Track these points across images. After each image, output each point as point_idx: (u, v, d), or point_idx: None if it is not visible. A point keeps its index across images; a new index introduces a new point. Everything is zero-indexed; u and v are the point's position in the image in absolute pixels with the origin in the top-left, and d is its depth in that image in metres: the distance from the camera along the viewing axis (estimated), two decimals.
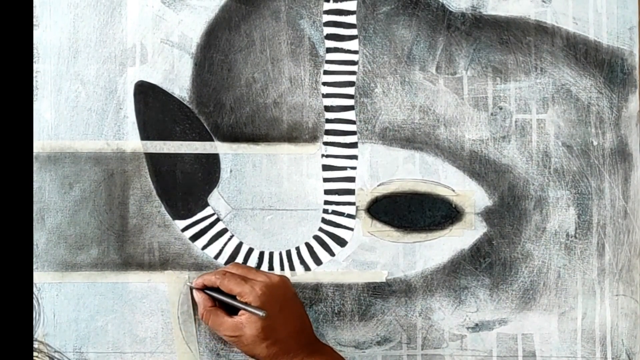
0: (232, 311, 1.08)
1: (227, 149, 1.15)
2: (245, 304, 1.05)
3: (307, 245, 1.16)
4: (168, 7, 1.15)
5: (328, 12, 1.17)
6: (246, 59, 1.16)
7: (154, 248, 1.14)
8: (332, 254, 1.16)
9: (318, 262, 1.16)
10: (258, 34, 1.16)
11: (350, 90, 1.17)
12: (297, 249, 1.16)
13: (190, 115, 1.15)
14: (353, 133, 1.16)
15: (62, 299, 1.13)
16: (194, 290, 1.11)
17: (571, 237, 1.17)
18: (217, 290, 1.09)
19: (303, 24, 1.16)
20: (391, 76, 1.17)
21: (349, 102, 1.16)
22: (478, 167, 1.17)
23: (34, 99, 1.14)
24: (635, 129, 1.18)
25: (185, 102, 1.15)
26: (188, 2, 1.16)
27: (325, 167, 1.16)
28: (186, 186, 1.15)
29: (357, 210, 1.16)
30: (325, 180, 1.16)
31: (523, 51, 1.17)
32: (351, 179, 1.16)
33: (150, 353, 1.13)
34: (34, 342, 1.12)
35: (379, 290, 1.16)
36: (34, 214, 1.12)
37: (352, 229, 1.16)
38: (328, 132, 1.16)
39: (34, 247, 1.13)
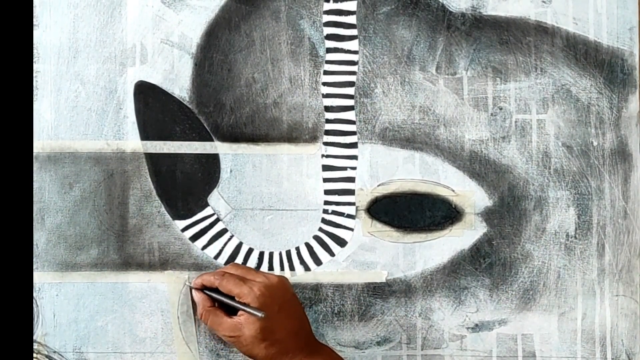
0: (231, 311, 1.08)
1: (227, 149, 1.15)
2: (244, 304, 1.05)
3: (307, 245, 1.16)
4: (168, 7, 1.15)
5: (328, 12, 1.17)
6: (246, 59, 1.16)
7: (154, 248, 1.14)
8: (332, 254, 1.16)
9: (318, 262, 1.16)
10: (258, 34, 1.16)
11: (350, 91, 1.17)
12: (297, 249, 1.16)
13: (190, 115, 1.15)
14: (353, 133, 1.16)
15: (62, 299, 1.13)
16: (193, 291, 1.11)
17: (571, 237, 1.17)
18: (216, 290, 1.09)
19: (303, 24, 1.16)
20: (391, 76, 1.17)
21: (349, 102, 1.16)
22: (478, 167, 1.17)
23: (34, 99, 1.14)
24: (635, 129, 1.18)
25: (185, 102, 1.15)
26: (188, 2, 1.16)
27: (325, 167, 1.16)
28: (186, 186, 1.15)
29: (357, 210, 1.16)
30: (325, 180, 1.16)
31: (523, 51, 1.17)
32: (351, 179, 1.16)
33: (150, 353, 1.13)
34: (34, 342, 1.12)
35: (379, 291, 1.16)
36: (34, 214, 1.12)
37: (352, 229, 1.16)
38: (328, 132, 1.16)
39: (34, 247, 1.13)
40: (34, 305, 1.12)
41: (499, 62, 1.18)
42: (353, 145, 1.16)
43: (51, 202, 1.14)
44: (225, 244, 1.15)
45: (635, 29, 1.18)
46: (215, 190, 1.15)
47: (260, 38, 1.16)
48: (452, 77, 1.17)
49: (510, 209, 1.17)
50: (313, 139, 1.16)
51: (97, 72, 1.15)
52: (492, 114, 1.17)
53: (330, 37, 1.16)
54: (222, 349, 1.14)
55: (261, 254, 1.15)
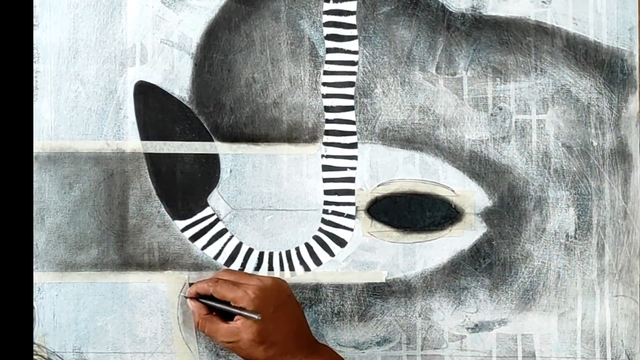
0: (228, 318, 1.08)
1: (227, 149, 1.15)
2: (240, 308, 1.05)
3: (307, 245, 1.16)
4: (168, 7, 1.15)
5: (328, 12, 1.17)
6: (246, 59, 1.16)
7: (154, 248, 1.14)
8: (331, 254, 1.16)
9: (318, 262, 1.16)
10: (258, 34, 1.16)
11: (350, 91, 1.17)
12: (297, 249, 1.16)
13: (190, 116, 1.15)
14: (353, 133, 1.16)
15: (61, 299, 1.13)
16: (188, 300, 1.11)
17: (571, 237, 1.17)
18: (211, 297, 1.09)
19: (303, 24, 1.16)
20: (391, 76, 1.17)
21: (349, 102, 1.16)
22: (478, 167, 1.17)
23: (34, 99, 1.14)
24: (635, 129, 1.18)
25: (185, 102, 1.15)
26: (188, 2, 1.16)
27: (325, 168, 1.16)
28: (186, 186, 1.15)
29: (356, 210, 1.16)
30: (325, 180, 1.16)
31: (523, 52, 1.17)
32: (351, 180, 1.16)
33: (150, 353, 1.13)
34: (34, 343, 1.12)
35: (379, 291, 1.16)
36: (34, 214, 1.12)
37: (351, 230, 1.16)
38: (328, 133, 1.16)
39: (34, 247, 1.13)
40: (34, 305, 1.12)
41: (499, 62, 1.18)
42: (353, 145, 1.16)
43: (51, 202, 1.14)
44: (225, 244, 1.15)
45: (635, 29, 1.18)
46: (215, 190, 1.15)
47: (260, 38, 1.16)
48: (452, 77, 1.17)
49: (510, 209, 1.17)
50: (313, 139, 1.16)
51: (97, 72, 1.15)
52: (492, 114, 1.17)
53: (330, 37, 1.16)
54: (221, 349, 1.14)
55: (261, 254, 1.15)
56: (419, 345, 1.16)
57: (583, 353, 1.16)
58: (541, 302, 1.17)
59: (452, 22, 1.17)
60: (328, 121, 1.16)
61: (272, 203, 1.15)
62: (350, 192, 1.16)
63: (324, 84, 1.16)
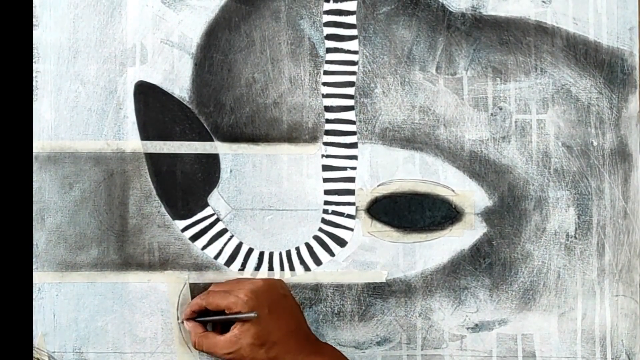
0: (227, 331, 1.07)
1: (227, 149, 1.15)
2: (235, 313, 1.05)
3: (307, 245, 1.16)
4: (168, 7, 1.15)
5: (328, 12, 1.17)
6: (246, 59, 1.16)
7: (154, 248, 1.14)
8: (332, 254, 1.16)
9: (318, 262, 1.16)
10: (258, 34, 1.16)
11: (350, 91, 1.17)
12: (297, 249, 1.16)
13: (190, 115, 1.15)
14: (353, 133, 1.16)
15: (62, 299, 1.13)
16: (184, 323, 1.11)
17: (571, 237, 1.17)
18: (206, 313, 1.09)
19: (303, 24, 1.16)
20: (391, 76, 1.17)
21: (349, 102, 1.16)
22: (478, 167, 1.17)
23: (34, 99, 1.14)
24: (635, 129, 1.18)
25: (185, 102, 1.15)
26: (188, 2, 1.16)
27: (325, 167, 1.16)
28: (186, 186, 1.15)
29: (357, 210, 1.16)
30: (325, 180, 1.16)
31: (523, 51, 1.17)
32: (351, 179, 1.16)
33: (150, 353, 1.13)
34: (34, 343, 1.12)
35: (379, 291, 1.16)
36: (34, 214, 1.12)
37: (352, 229, 1.16)
38: (328, 133, 1.16)
39: (34, 247, 1.13)
40: (34, 305, 1.12)
41: (499, 62, 1.18)
42: (353, 145, 1.16)
43: (51, 202, 1.14)
44: (225, 244, 1.15)
45: (635, 29, 1.18)
46: (215, 190, 1.15)
47: (260, 38, 1.16)
48: (452, 77, 1.17)
49: (510, 209, 1.17)
50: (313, 139, 1.16)
51: (97, 72, 1.15)
52: (492, 114, 1.17)
53: (330, 37, 1.16)
54: None
55: (261, 254, 1.15)
56: (419, 345, 1.16)
57: (583, 353, 1.16)
58: (541, 302, 1.17)
59: (452, 22, 1.17)
60: (328, 121, 1.16)
61: (272, 203, 1.15)
62: (351, 192, 1.16)
63: (324, 83, 1.16)
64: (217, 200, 1.15)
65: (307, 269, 1.16)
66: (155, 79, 1.15)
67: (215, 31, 1.16)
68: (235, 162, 1.15)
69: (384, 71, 1.17)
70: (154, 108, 1.15)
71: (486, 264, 1.16)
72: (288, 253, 1.15)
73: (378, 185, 1.16)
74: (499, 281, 1.16)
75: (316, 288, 1.15)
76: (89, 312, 1.13)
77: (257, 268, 1.15)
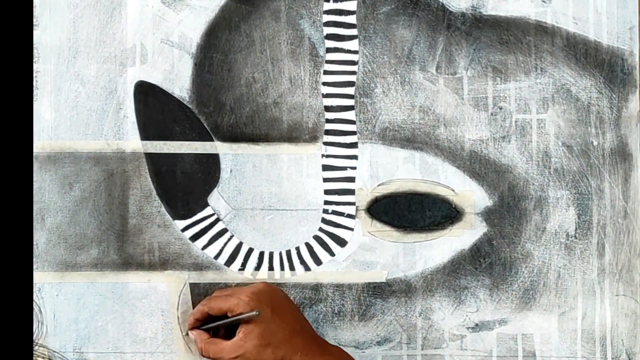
0: (232, 336, 1.07)
1: (227, 149, 1.15)
2: (238, 315, 1.05)
3: (307, 245, 1.16)
4: (168, 7, 1.15)
5: (328, 12, 1.17)
6: (246, 59, 1.16)
7: (154, 248, 1.14)
8: (332, 254, 1.16)
9: (318, 262, 1.16)
10: (258, 34, 1.16)
11: (350, 90, 1.17)
12: (297, 249, 1.16)
13: (190, 115, 1.15)
14: (353, 133, 1.16)
15: (62, 299, 1.13)
16: (189, 333, 1.11)
17: (571, 237, 1.17)
18: (208, 320, 1.09)
19: (303, 24, 1.16)
20: (391, 76, 1.17)
21: (349, 102, 1.16)
22: (478, 167, 1.17)
23: (34, 99, 1.14)
24: (635, 129, 1.18)
25: (185, 102, 1.15)
26: (188, 2, 1.16)
27: (325, 167, 1.16)
28: (186, 186, 1.15)
29: (357, 210, 1.16)
30: (325, 180, 1.16)
31: (523, 51, 1.17)
32: (351, 179, 1.16)
33: (150, 353, 1.13)
34: (34, 343, 1.12)
35: (379, 290, 1.16)
36: (34, 214, 1.12)
37: (352, 229, 1.16)
38: (328, 132, 1.16)
39: (34, 247, 1.13)
40: (34, 305, 1.12)
41: (499, 62, 1.18)
42: (353, 145, 1.16)
43: (51, 202, 1.14)
44: (225, 244, 1.15)
45: (635, 29, 1.18)
46: (215, 190, 1.15)
47: (260, 38, 1.16)
48: (452, 77, 1.17)
49: (510, 208, 1.17)
50: (313, 139, 1.16)
51: (97, 72, 1.15)
52: (492, 114, 1.17)
53: (330, 37, 1.16)
54: None
55: (261, 254, 1.15)
56: (419, 344, 1.16)
57: (583, 352, 1.16)
58: (541, 302, 1.17)
59: (452, 22, 1.17)
60: (328, 121, 1.16)
61: (272, 203, 1.16)
62: (351, 192, 1.16)
63: (324, 83, 1.16)
64: (217, 200, 1.15)
65: (307, 268, 1.16)
66: (155, 79, 1.15)
67: (215, 31, 1.16)
68: (235, 162, 1.15)
69: (384, 71, 1.17)
70: (154, 108, 1.15)
71: (486, 264, 1.16)
72: (288, 253, 1.15)
73: (378, 185, 1.16)
74: (499, 281, 1.17)
75: (316, 288, 1.16)
76: (89, 312, 1.13)
77: (257, 268, 1.15)
